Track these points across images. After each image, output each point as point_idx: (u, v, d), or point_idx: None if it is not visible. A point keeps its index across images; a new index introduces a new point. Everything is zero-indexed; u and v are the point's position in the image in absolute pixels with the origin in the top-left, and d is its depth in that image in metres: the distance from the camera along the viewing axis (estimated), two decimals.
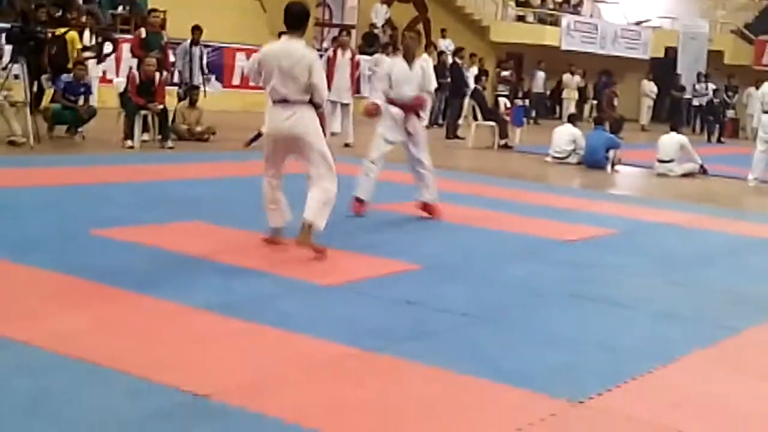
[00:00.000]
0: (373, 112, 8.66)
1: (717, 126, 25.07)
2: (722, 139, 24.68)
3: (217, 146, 13.82)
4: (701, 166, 15.20)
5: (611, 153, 15.09)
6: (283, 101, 6.71)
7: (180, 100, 14.93)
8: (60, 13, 16.47)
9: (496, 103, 18.29)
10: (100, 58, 15.14)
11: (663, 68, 29.06)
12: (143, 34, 14.01)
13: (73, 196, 8.87)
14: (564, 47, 28.17)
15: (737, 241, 9.20)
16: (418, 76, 8.77)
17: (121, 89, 13.77)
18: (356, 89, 13.45)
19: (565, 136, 15.65)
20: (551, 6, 30.24)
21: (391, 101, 8.68)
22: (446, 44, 23.95)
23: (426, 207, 8.95)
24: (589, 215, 10.06)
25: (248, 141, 12.69)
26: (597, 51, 28.98)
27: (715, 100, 25.77)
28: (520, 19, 29.30)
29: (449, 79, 20.36)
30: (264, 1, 23.43)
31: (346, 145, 14.39)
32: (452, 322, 5.52)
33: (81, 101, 13.12)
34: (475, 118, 17.65)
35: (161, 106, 13.20)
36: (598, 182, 13.74)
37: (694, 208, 11.40)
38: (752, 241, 9.30)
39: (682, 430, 4.14)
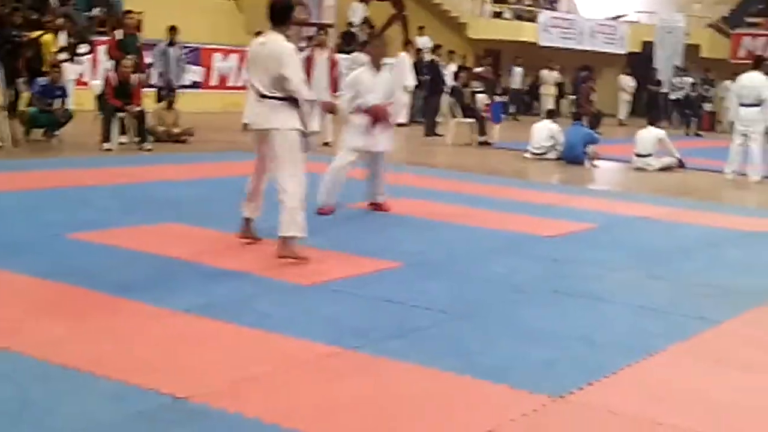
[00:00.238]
0: (331, 109, 8.93)
1: (694, 119, 25.20)
2: (699, 132, 24.82)
3: (196, 147, 13.77)
4: (679, 160, 15.27)
5: (590, 148, 15.14)
6: (259, 95, 6.67)
7: (160, 101, 14.87)
8: (35, 16, 16.37)
9: (474, 99, 18.28)
10: (73, 57, 15.04)
11: (640, 63, 29.17)
12: (119, 36, 13.94)
13: (51, 199, 8.81)
14: (541, 43, 28.24)
15: (715, 234, 9.24)
16: (383, 82, 8.78)
17: (98, 91, 13.70)
18: (335, 88, 13.39)
19: (543, 132, 15.68)
20: (528, 2, 30.30)
21: (357, 109, 8.68)
22: (424, 42, 23.94)
23: (376, 206, 9.11)
24: (569, 210, 10.08)
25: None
26: (574, 46, 29.05)
27: (692, 94, 25.90)
28: (498, 15, 29.34)
29: (427, 77, 20.37)
30: (240, 1, 23.36)
31: (326, 143, 14.36)
32: (434, 320, 5.52)
33: (57, 104, 13.05)
34: (454, 116, 17.66)
35: (138, 108, 13.14)
36: (577, 177, 13.78)
37: (673, 201, 11.45)
38: (730, 233, 9.34)
39: (663, 423, 4.15)
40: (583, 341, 5.27)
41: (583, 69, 25.90)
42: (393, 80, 8.92)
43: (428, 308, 5.74)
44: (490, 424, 3.98)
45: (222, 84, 21.17)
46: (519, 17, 29.24)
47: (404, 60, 20.98)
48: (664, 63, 28.63)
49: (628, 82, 27.64)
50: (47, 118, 12.97)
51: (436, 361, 4.69)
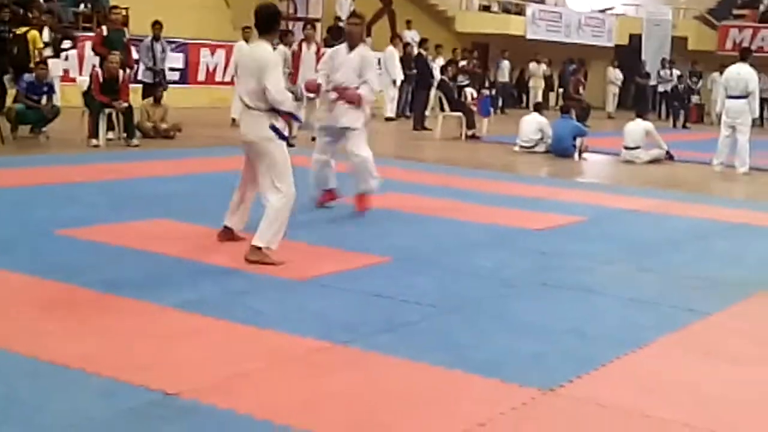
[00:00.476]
0: (313, 88, 8.59)
1: (682, 112, 25.27)
2: (687, 124, 24.89)
3: (184, 143, 13.73)
4: (667, 152, 15.31)
5: (578, 141, 15.16)
6: (245, 105, 6.60)
7: (146, 96, 14.82)
8: (21, 12, 16.30)
9: (462, 93, 18.29)
10: (58, 52, 14.98)
11: (628, 55, 29.22)
12: (105, 32, 13.90)
13: (38, 196, 8.77)
14: (529, 36, 28.25)
15: (704, 226, 9.27)
16: (353, 63, 8.39)
17: (85, 88, 13.65)
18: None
19: (532, 125, 15.70)
20: None
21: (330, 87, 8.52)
22: (411, 35, 23.94)
23: (357, 198, 8.68)
24: (558, 204, 10.09)
25: None
26: (562, 39, 29.09)
27: (680, 86, 25.97)
28: (485, 9, 29.34)
29: (415, 71, 20.37)
30: None
31: (313, 138, 14.33)
32: (423, 314, 5.52)
33: (44, 101, 13.00)
34: (442, 109, 17.66)
35: (125, 104, 13.10)
36: (566, 170, 13.79)
37: (661, 194, 11.47)
38: (719, 225, 9.37)
39: (653, 415, 4.17)
40: (573, 334, 5.28)
41: (570, 62, 25.94)
42: (368, 63, 8.44)
43: (418, 302, 5.74)
44: (480, 418, 3.99)
45: (209, 79, 21.11)
46: (507, 10, 29.24)
47: (392, 54, 20.99)
48: (652, 55, 28.70)
49: (616, 74, 27.69)
50: (34, 115, 12.91)
51: (426, 356, 4.69)
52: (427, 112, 19.36)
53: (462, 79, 19.21)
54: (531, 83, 27.53)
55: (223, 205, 7.18)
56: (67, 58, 16.20)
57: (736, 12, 30.63)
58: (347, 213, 8.59)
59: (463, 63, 22.00)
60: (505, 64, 27.36)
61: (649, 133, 15.14)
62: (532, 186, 11.64)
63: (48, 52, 14.28)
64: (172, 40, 17.86)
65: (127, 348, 4.63)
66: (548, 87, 27.51)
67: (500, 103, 25.86)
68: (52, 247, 6.70)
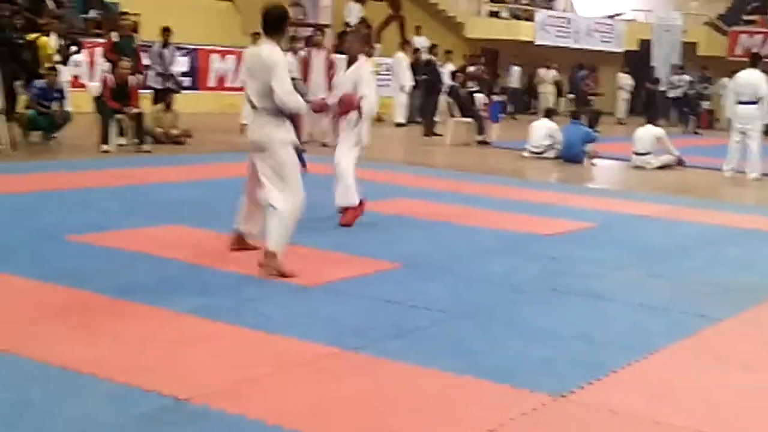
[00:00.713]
0: (320, 108, 8.43)
1: (692, 117, 25.21)
2: (698, 130, 24.84)
3: (194, 149, 13.77)
4: (678, 158, 15.29)
5: (588, 147, 15.15)
6: (252, 107, 6.54)
7: (157, 102, 14.85)
8: (32, 18, 16.36)
9: (473, 99, 18.29)
10: (66, 59, 15.04)
11: (638, 61, 29.19)
12: (116, 38, 13.94)
13: (50, 202, 8.81)
14: (538, 42, 28.25)
15: (715, 232, 9.25)
16: (350, 79, 8.26)
17: (96, 93, 13.70)
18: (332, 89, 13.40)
19: (542, 130, 15.69)
20: (525, 1, 30.32)
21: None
22: (421, 41, 23.95)
23: (346, 210, 8.35)
24: (568, 209, 10.09)
25: None
26: (571, 45, 29.08)
27: (690, 92, 25.91)
28: (495, 15, 29.35)
29: (425, 77, 20.38)
30: (237, 2, 23.36)
31: (323, 144, 14.36)
32: (433, 320, 5.52)
33: (55, 106, 13.05)
34: (452, 115, 17.67)
35: (136, 110, 13.14)
36: (576, 176, 13.78)
37: (672, 199, 11.46)
38: (729, 231, 9.35)
39: (663, 421, 4.16)
40: (583, 340, 5.28)
41: (580, 67, 25.93)
42: (363, 78, 8.22)
43: (428, 308, 5.74)
44: (490, 424, 3.99)
45: (219, 85, 21.17)
46: (516, 16, 29.25)
47: (401, 60, 21.02)
48: (662, 61, 28.66)
49: (626, 80, 27.65)
50: (45, 121, 12.97)
51: (436, 361, 4.69)
52: (437, 118, 19.37)
53: (472, 85, 19.21)
54: (540, 89, 27.51)
55: (234, 210, 7.18)
56: (77, 65, 16.25)
57: (746, 18, 30.60)
58: (358, 219, 8.56)
59: (471, 69, 22.01)
60: (516, 69, 27.36)
61: (659, 139, 15.12)
62: (542, 192, 11.63)
63: (57, 58, 14.33)
64: (181, 45, 17.91)
65: (139, 353, 4.64)
66: (558, 93, 27.49)
67: (510, 109, 25.85)
68: (63, 253, 6.73)
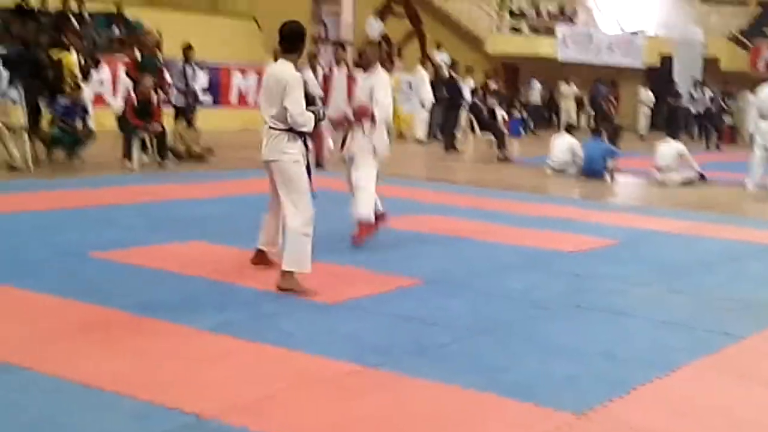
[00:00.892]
0: (340, 122, 8.41)
1: (714, 133, 25.09)
2: (720, 145, 24.71)
3: (216, 165, 13.84)
4: (700, 174, 15.21)
5: (609, 162, 15.11)
6: (267, 126, 6.55)
7: (178, 120, 14.94)
8: (57, 36, 16.52)
9: (494, 115, 18.31)
10: (86, 76, 15.18)
11: (659, 76, 29.10)
12: (138, 56, 14.05)
13: (74, 219, 8.87)
14: (559, 58, 28.24)
15: (737, 248, 9.20)
16: (366, 86, 8.18)
17: (119, 111, 13.80)
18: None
19: (563, 146, 15.66)
20: (546, 17, 30.33)
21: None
22: (442, 57, 24.01)
23: (358, 225, 8.22)
24: (589, 225, 10.06)
25: None
26: (592, 60, 29.04)
27: (712, 107, 25.80)
28: (515, 30, 29.38)
29: (446, 93, 20.41)
30: (260, 19, 23.51)
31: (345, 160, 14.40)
32: (454, 336, 5.52)
33: (79, 124, 13.15)
34: (473, 131, 17.67)
35: (159, 127, 13.24)
36: (597, 192, 13.75)
37: (694, 215, 11.40)
38: (752, 247, 9.30)
39: None
40: (606, 357, 5.26)
41: (601, 82, 25.87)
42: (378, 85, 8.13)
43: (449, 325, 5.74)
44: None
45: (241, 102, 21.29)
46: (537, 32, 29.27)
47: (422, 76, 21.07)
48: (683, 76, 28.55)
49: (647, 95, 27.58)
50: (69, 138, 13.07)
51: (458, 378, 4.69)
52: (457, 134, 19.39)
53: (493, 101, 19.24)
54: (562, 104, 27.48)
55: (256, 227, 7.21)
56: (101, 83, 16.39)
57: None
58: (377, 235, 8.57)
59: (493, 86, 22.04)
60: (537, 85, 27.35)
61: (681, 155, 15.06)
62: (564, 207, 11.61)
63: (79, 75, 14.45)
64: (204, 63, 18.01)
65: (161, 370, 4.66)
66: (579, 108, 27.44)
67: (531, 125, 25.83)
68: (86, 270, 6.77)
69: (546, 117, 28.61)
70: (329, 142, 13.06)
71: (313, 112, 6.56)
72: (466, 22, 28.38)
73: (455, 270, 7.44)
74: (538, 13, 30.39)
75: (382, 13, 26.27)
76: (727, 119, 26.39)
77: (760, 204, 13.28)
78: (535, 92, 27.38)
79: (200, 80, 17.35)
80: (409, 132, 21.31)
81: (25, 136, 12.13)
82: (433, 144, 20.13)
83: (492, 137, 17.46)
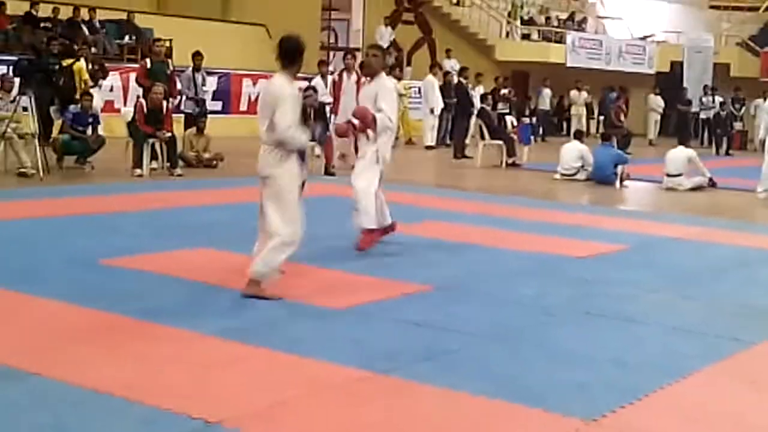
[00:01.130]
0: (343, 132, 8.42)
1: (725, 139, 25.03)
2: (730, 151, 24.64)
3: (226, 172, 13.85)
4: (710, 180, 15.16)
5: (619, 168, 15.07)
6: (261, 140, 6.49)
7: (188, 126, 14.97)
8: (69, 44, 16.61)
9: (503, 121, 18.29)
10: (95, 83, 15.25)
11: (669, 82, 29.07)
12: (148, 64, 14.10)
13: (83, 225, 8.89)
14: (569, 64, 28.23)
15: (748, 254, 9.16)
16: (371, 93, 8.16)
17: (129, 118, 13.84)
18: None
19: (572, 152, 15.64)
20: (556, 23, 30.32)
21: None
22: (451, 64, 24.01)
23: (363, 232, 8.15)
24: (599, 231, 10.03)
25: None
26: (602, 67, 29.03)
27: (723, 113, 25.73)
28: (525, 37, 29.37)
29: (455, 99, 20.42)
30: (269, 26, 23.54)
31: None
32: (464, 343, 5.50)
33: (89, 131, 13.19)
34: (483, 137, 17.66)
35: (169, 134, 13.26)
36: (607, 198, 13.71)
37: (704, 221, 11.36)
38: (763, 253, 9.26)
39: None
40: (616, 363, 5.23)
41: (611, 89, 25.85)
42: (383, 92, 8.09)
43: (458, 331, 5.72)
44: None
45: (251, 109, 21.30)
46: (546, 38, 29.25)
47: (432, 83, 21.08)
48: (694, 82, 28.52)
49: (657, 101, 27.53)
50: (80, 145, 13.11)
51: (467, 385, 4.67)
52: (467, 140, 19.37)
53: (502, 107, 19.22)
54: (572, 111, 27.44)
55: None
56: (112, 89, 16.44)
57: None
58: (386, 241, 8.55)
59: (504, 91, 22.03)
60: (546, 92, 27.34)
61: (691, 161, 15.01)
62: (574, 213, 11.58)
63: (89, 83, 14.53)
64: (214, 70, 18.05)
65: (169, 376, 4.66)
66: (589, 114, 27.41)
67: (541, 131, 25.80)
68: (96, 277, 6.78)
69: (556, 124, 28.57)
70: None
71: (311, 130, 6.45)
72: (476, 29, 28.38)
73: (465, 276, 7.42)
74: (548, 20, 30.36)
75: (393, 21, 26.28)
76: (738, 125, 26.32)
77: None
78: (545, 99, 27.35)
79: (211, 88, 17.41)
80: (418, 138, 21.30)
81: (36, 143, 12.16)
82: (443, 150, 20.12)
83: (501, 144, 17.44)
